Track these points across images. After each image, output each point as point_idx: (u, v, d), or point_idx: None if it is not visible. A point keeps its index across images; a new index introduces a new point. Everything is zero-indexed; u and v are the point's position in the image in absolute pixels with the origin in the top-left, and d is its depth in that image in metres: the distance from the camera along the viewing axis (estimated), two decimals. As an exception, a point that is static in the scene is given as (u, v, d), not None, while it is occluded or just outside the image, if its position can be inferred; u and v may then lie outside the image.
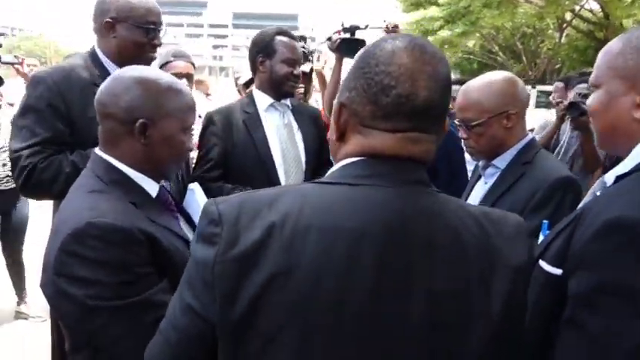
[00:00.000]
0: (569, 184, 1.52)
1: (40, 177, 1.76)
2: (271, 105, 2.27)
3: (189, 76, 2.86)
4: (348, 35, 2.76)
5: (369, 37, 2.88)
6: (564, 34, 18.04)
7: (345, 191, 0.82)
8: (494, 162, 1.67)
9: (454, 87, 4.83)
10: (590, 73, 1.15)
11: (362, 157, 0.85)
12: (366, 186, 0.82)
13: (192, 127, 1.33)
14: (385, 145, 0.84)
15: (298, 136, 2.30)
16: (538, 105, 12.00)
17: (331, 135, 0.92)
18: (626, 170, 1.03)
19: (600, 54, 1.13)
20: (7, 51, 6.49)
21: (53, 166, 1.77)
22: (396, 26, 2.81)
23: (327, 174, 0.88)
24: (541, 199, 1.50)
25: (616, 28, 15.46)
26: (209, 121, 2.24)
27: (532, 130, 4.35)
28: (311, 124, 2.37)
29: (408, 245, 0.80)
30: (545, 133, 3.78)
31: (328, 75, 3.03)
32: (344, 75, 0.93)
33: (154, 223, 1.19)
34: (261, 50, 2.23)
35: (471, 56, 22.76)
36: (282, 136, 2.25)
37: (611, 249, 0.88)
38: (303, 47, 2.98)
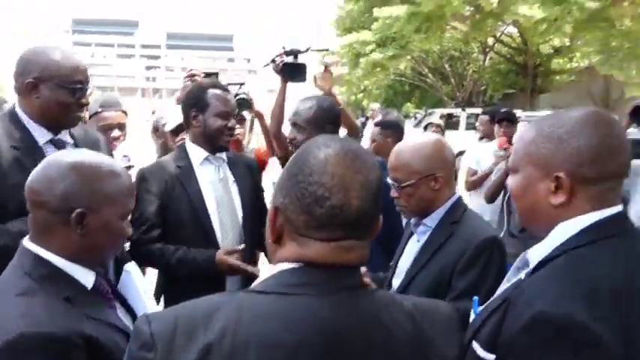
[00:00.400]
0: (495, 244, 1.60)
1: None
2: (206, 159, 2.24)
3: (120, 126, 2.76)
4: (290, 59, 2.76)
5: (311, 59, 2.91)
6: (488, 58, 19.12)
7: (281, 302, 0.82)
8: (425, 221, 1.73)
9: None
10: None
11: (298, 264, 0.85)
12: (301, 296, 0.82)
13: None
14: (320, 255, 0.85)
15: (234, 190, 2.27)
16: (468, 127, 12.54)
17: (267, 237, 0.91)
18: (547, 253, 1.08)
19: (516, 139, 1.19)
20: None
21: None
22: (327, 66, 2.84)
23: (264, 279, 0.88)
24: (469, 259, 1.56)
25: (533, 54, 16.58)
26: (141, 178, 2.17)
27: (462, 153, 4.53)
28: (247, 175, 2.35)
29: (345, 352, 0.81)
30: (492, 183, 3.82)
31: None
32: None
33: (91, 319, 1.13)
34: (194, 104, 2.20)
35: (403, 78, 23.61)
36: (217, 190, 2.22)
37: (538, 343, 0.93)
38: (244, 93, 2.97)
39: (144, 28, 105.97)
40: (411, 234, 1.84)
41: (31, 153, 1.81)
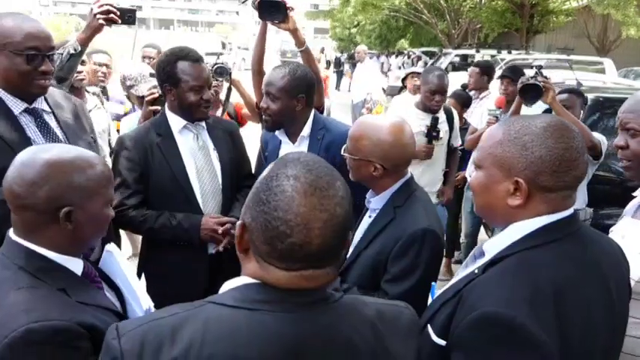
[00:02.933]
0: (426, 237, 1.61)
1: None
2: (185, 127, 2.24)
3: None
4: None
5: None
6: (485, -5, 18.53)
7: (245, 317, 0.86)
8: (373, 200, 1.77)
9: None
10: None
11: (260, 281, 0.90)
12: (263, 312, 0.87)
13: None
14: (280, 282, 0.89)
15: (214, 156, 2.29)
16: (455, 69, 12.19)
17: (237, 245, 0.94)
18: (500, 249, 1.15)
19: (484, 136, 1.23)
20: None
21: None
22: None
23: (228, 288, 0.92)
24: (401, 247, 1.62)
25: (531, -8, 16.03)
26: (121, 145, 2.19)
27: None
28: (227, 140, 2.37)
29: None
30: (473, 137, 3.82)
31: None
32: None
33: (87, 306, 1.18)
34: (166, 80, 2.17)
35: (397, 14, 22.90)
36: (197, 158, 2.24)
37: (486, 340, 1.02)
38: (221, 64, 2.90)
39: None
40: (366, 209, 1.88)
41: (7, 123, 1.81)
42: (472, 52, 12.75)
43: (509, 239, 1.15)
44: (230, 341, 0.84)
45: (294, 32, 2.64)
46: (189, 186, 2.20)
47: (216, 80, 2.91)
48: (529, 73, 3.36)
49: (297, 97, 2.25)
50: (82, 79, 3.16)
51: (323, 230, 0.86)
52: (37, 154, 1.20)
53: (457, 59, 12.89)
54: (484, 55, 11.79)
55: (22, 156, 1.20)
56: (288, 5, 2.61)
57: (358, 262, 1.72)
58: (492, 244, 1.19)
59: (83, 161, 1.22)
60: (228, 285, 0.93)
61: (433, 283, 1.42)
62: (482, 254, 1.23)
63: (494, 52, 12.36)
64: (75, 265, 1.25)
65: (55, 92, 2.06)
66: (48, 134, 1.93)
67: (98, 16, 2.26)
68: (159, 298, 1.54)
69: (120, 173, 2.16)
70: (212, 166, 2.28)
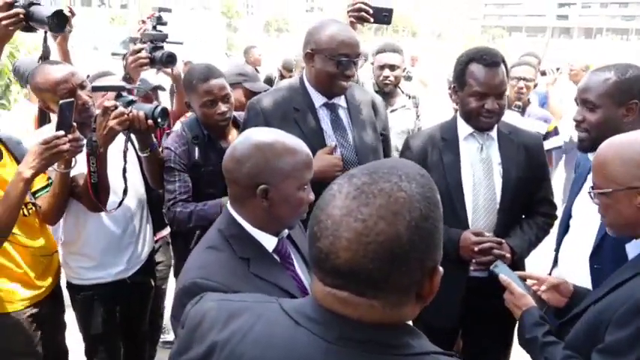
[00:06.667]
0: None
1: None
2: (471, 134, 2.08)
3: None
4: None
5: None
6: None
7: (289, 330, 0.78)
8: (628, 246, 1.45)
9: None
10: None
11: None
12: (307, 330, 0.76)
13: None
14: (316, 294, 0.77)
15: (497, 171, 2.06)
16: None
17: None
18: None
19: None
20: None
21: None
22: None
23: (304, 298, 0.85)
24: (626, 312, 1.22)
25: None
26: (406, 145, 2.21)
27: None
28: (520, 156, 2.07)
29: None
30: None
31: None
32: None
33: (262, 280, 1.29)
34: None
35: None
36: (476, 170, 2.05)
37: None
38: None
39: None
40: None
41: (307, 114, 2.11)
42: None
43: None
44: (264, 348, 0.78)
45: None
46: (460, 198, 2.04)
47: None
48: None
49: (626, 104, 1.72)
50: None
51: (353, 243, 0.70)
52: (250, 135, 1.35)
53: None
54: None
55: (239, 137, 1.38)
56: None
57: (583, 317, 1.34)
58: None
59: (286, 147, 1.32)
60: None
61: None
62: None
63: None
64: (268, 240, 1.36)
65: (355, 87, 2.26)
66: (338, 128, 2.14)
67: (350, 14, 2.28)
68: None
69: None
70: (492, 182, 2.04)
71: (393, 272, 0.72)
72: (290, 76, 3.77)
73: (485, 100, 1.96)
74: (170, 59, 2.41)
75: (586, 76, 1.83)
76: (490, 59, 1.95)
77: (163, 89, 3.31)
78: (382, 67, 3.30)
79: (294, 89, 2.17)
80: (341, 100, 2.16)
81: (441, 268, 0.77)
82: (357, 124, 2.16)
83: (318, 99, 2.13)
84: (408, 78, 6.07)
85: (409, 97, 3.62)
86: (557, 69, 4.54)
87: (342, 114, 2.16)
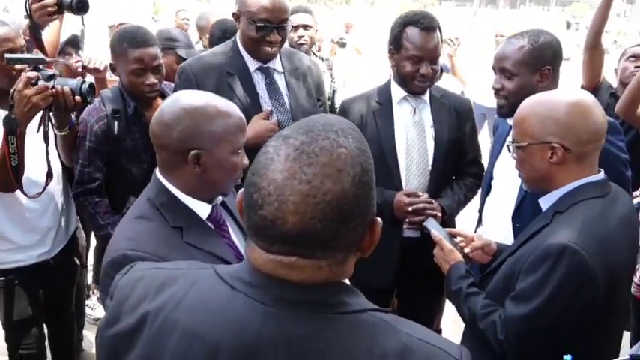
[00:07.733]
0: (563, 254, 1.25)
1: None
2: (404, 98, 2.12)
3: None
4: None
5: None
6: None
7: (225, 295, 0.76)
8: (541, 201, 1.46)
9: None
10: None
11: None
12: (243, 294, 0.74)
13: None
14: (257, 262, 0.75)
15: (430, 134, 2.12)
16: None
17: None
18: None
19: None
20: None
21: None
22: None
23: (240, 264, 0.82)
24: (533, 261, 1.31)
25: None
26: (340, 109, 2.21)
27: None
28: (451, 118, 2.13)
29: None
30: None
31: None
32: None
33: (197, 250, 1.24)
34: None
35: None
36: (410, 133, 2.10)
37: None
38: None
39: None
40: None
41: (242, 78, 2.05)
42: None
43: None
44: (199, 314, 0.75)
45: None
46: (394, 160, 2.08)
47: None
48: None
49: (540, 70, 1.79)
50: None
51: (301, 206, 0.68)
52: (179, 98, 1.29)
53: None
54: None
55: (167, 100, 1.31)
56: None
57: (501, 268, 1.43)
58: None
59: (214, 109, 1.26)
60: None
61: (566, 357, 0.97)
62: None
63: None
64: (201, 208, 1.31)
65: (293, 53, 2.22)
66: (274, 92, 2.10)
67: None
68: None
69: None
70: (424, 144, 2.09)
71: (341, 230, 0.71)
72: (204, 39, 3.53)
73: (420, 64, 1.99)
74: (81, 5, 2.09)
75: (502, 44, 1.88)
76: (427, 23, 1.98)
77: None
78: (296, 28, 3.24)
79: (228, 53, 2.10)
80: (276, 64, 2.12)
81: (379, 219, 0.77)
82: (294, 89, 2.13)
83: (252, 63, 2.07)
84: (343, 45, 6.06)
85: (322, 59, 3.65)
86: (457, 38, 5.05)
87: (278, 78, 2.12)
